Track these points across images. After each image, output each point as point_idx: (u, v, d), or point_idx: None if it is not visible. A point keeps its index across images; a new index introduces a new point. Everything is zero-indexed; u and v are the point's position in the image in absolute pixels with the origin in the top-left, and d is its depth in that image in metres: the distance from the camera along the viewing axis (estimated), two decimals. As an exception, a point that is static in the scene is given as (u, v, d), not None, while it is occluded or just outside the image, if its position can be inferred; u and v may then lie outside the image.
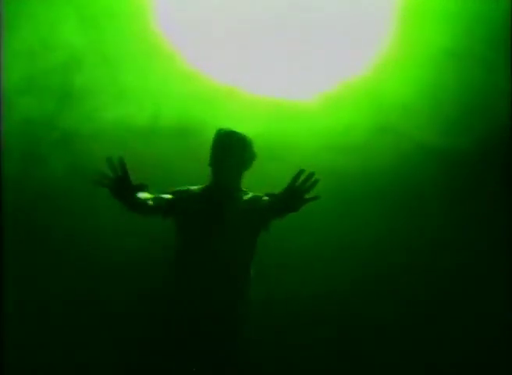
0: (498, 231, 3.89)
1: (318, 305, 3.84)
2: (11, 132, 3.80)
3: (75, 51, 3.84)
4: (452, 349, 3.87)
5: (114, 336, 3.77)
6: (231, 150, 2.93)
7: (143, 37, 3.85)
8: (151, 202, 2.78)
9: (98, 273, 3.78)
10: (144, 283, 3.72)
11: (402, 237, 3.88)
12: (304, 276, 3.85)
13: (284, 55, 3.88)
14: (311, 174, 2.52)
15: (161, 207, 2.85)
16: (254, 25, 3.86)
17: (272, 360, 3.74)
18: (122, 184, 2.57)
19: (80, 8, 3.84)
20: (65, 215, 3.81)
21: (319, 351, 3.85)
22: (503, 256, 3.88)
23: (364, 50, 3.90)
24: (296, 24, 3.87)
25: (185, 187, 2.99)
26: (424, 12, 3.91)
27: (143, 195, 2.74)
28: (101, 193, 2.68)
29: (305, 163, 3.81)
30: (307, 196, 2.54)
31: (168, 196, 2.92)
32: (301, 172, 2.51)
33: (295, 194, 2.53)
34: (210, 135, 3.01)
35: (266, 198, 2.86)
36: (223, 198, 2.92)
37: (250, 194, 2.98)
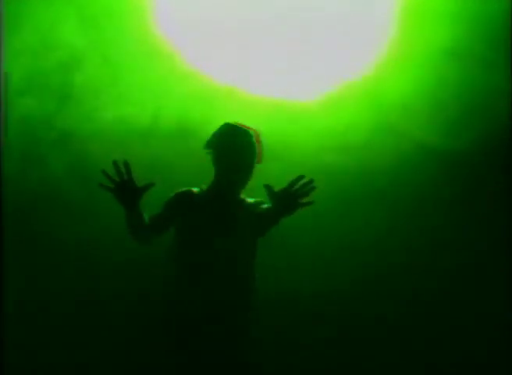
0: (498, 231, 3.89)
1: (318, 304, 3.84)
2: (11, 132, 3.80)
3: (75, 51, 3.84)
4: (452, 349, 3.87)
5: (114, 336, 3.77)
6: (247, 152, 2.91)
7: (143, 37, 3.84)
8: (158, 225, 2.82)
9: (98, 272, 3.78)
10: (144, 283, 3.72)
11: (402, 237, 3.88)
12: (304, 276, 3.85)
13: (284, 55, 3.88)
14: (310, 180, 2.53)
15: (166, 226, 2.86)
16: (254, 25, 3.86)
17: (272, 360, 3.74)
18: (126, 187, 2.59)
19: (80, 9, 3.84)
20: (65, 215, 3.81)
21: (319, 351, 3.85)
22: (503, 256, 3.88)
23: (364, 50, 3.90)
24: (296, 24, 3.87)
25: (187, 189, 2.95)
26: (424, 12, 3.91)
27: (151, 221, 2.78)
28: (101, 193, 2.68)
29: (305, 163, 3.86)
30: (302, 201, 2.54)
31: (168, 211, 2.88)
32: (301, 177, 2.53)
33: (291, 197, 2.53)
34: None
35: (265, 205, 2.88)
36: (230, 201, 2.91)
37: (251, 198, 2.98)
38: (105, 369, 3.74)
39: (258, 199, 2.97)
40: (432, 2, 3.91)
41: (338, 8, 3.87)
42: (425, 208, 3.92)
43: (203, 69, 3.87)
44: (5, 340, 3.67)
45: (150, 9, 3.86)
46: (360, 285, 3.87)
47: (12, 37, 3.80)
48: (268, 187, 2.62)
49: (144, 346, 3.71)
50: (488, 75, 3.89)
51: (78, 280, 3.78)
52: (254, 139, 2.93)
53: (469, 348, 3.84)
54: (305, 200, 2.56)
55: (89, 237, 3.71)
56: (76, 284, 3.77)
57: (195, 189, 2.95)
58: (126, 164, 2.61)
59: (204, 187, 2.97)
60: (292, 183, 2.54)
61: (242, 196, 2.97)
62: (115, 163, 2.59)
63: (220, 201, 2.90)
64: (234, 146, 2.88)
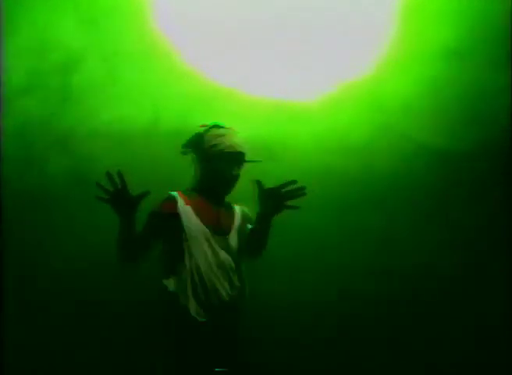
0: (499, 231, 3.89)
1: (318, 305, 3.84)
2: (10, 132, 3.80)
3: (74, 52, 3.83)
4: (452, 349, 3.87)
5: (114, 336, 3.77)
6: (240, 167, 2.87)
7: (142, 38, 3.84)
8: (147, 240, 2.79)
9: (98, 273, 3.78)
10: (144, 284, 3.72)
11: (402, 238, 3.88)
12: (304, 277, 3.85)
13: (284, 55, 3.87)
14: (302, 187, 2.54)
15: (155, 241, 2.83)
16: (254, 25, 3.85)
17: (272, 360, 3.74)
18: (121, 197, 2.60)
19: (79, 9, 3.84)
20: (65, 215, 3.80)
21: (319, 352, 3.86)
22: (503, 256, 3.88)
23: (364, 50, 3.90)
24: (296, 24, 3.87)
25: (168, 198, 2.84)
26: (424, 12, 3.91)
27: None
28: (101, 193, 2.68)
29: (305, 164, 3.86)
30: (288, 203, 2.57)
31: (152, 227, 2.81)
32: (293, 181, 2.54)
33: (279, 197, 2.57)
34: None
35: (249, 226, 2.89)
36: (216, 205, 2.89)
37: (239, 207, 2.97)
38: (105, 369, 3.74)
39: (245, 209, 2.97)
40: (433, 2, 3.91)
41: (338, 8, 3.87)
42: (426, 209, 3.92)
43: (203, 69, 3.87)
44: (5, 340, 3.68)
45: (149, 10, 3.86)
46: (361, 285, 3.87)
47: (12, 38, 3.80)
48: (258, 183, 2.63)
49: (144, 346, 3.71)
50: (490, 75, 3.88)
51: (78, 281, 3.77)
52: (246, 150, 2.89)
53: (469, 348, 3.85)
54: (292, 204, 2.57)
55: (89, 237, 3.71)
56: (76, 285, 3.77)
57: (175, 194, 2.86)
58: (120, 174, 2.62)
59: (191, 194, 2.90)
60: (283, 185, 2.56)
61: (231, 203, 2.96)
62: (108, 174, 2.60)
63: (208, 206, 2.86)
64: (227, 160, 2.82)
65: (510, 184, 3.87)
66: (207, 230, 2.80)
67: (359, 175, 3.88)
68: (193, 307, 2.75)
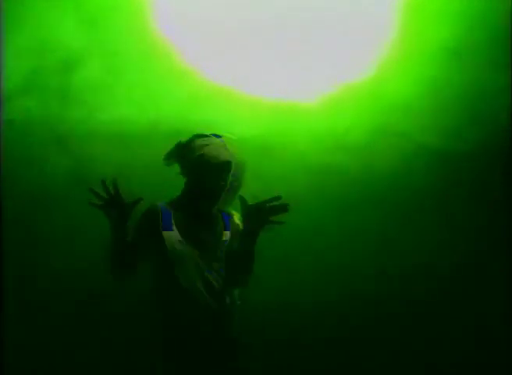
0: (499, 231, 3.89)
1: (318, 306, 3.84)
2: (9, 132, 3.80)
3: (74, 52, 3.83)
4: (452, 349, 3.87)
5: (114, 336, 3.77)
6: (226, 177, 2.77)
7: (142, 38, 3.84)
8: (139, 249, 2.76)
9: (98, 273, 3.78)
10: (144, 284, 3.72)
11: (402, 238, 3.88)
12: (303, 277, 3.85)
13: (284, 55, 3.88)
14: (285, 204, 2.53)
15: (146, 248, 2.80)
16: (254, 25, 3.86)
17: (272, 360, 3.75)
18: (114, 203, 2.61)
19: (79, 9, 3.84)
20: (65, 215, 3.80)
21: (319, 352, 3.86)
22: (503, 256, 3.88)
23: (365, 50, 3.90)
24: (296, 24, 3.87)
25: (152, 207, 2.80)
26: (425, 12, 3.91)
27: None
28: (94, 198, 2.69)
29: (305, 164, 3.87)
30: (272, 219, 2.55)
31: (141, 235, 2.78)
32: (277, 198, 2.53)
33: (262, 212, 2.55)
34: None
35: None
36: (205, 214, 2.83)
37: (229, 216, 2.90)
38: (105, 369, 3.74)
39: (237, 214, 2.91)
40: (433, 2, 3.91)
41: (338, 8, 3.87)
42: (426, 209, 3.92)
43: (203, 69, 3.87)
44: (5, 340, 3.68)
45: (149, 10, 3.86)
46: (360, 285, 3.87)
47: (12, 37, 3.80)
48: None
49: (144, 346, 3.71)
50: (490, 75, 3.89)
51: (78, 281, 3.77)
52: (227, 146, 2.83)
53: (469, 348, 3.85)
54: (276, 219, 2.55)
55: (89, 237, 3.71)
56: (76, 284, 3.77)
57: (161, 203, 2.83)
58: (114, 181, 2.62)
59: (176, 205, 2.84)
60: (267, 201, 2.55)
61: (220, 214, 2.88)
62: (102, 182, 2.60)
63: (195, 215, 2.81)
64: (212, 170, 2.75)
65: (510, 184, 3.87)
66: (190, 248, 2.78)
67: (359, 175, 3.88)
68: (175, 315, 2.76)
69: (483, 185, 3.90)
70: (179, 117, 3.80)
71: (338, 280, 3.86)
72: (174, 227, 2.78)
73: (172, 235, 2.77)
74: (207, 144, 2.80)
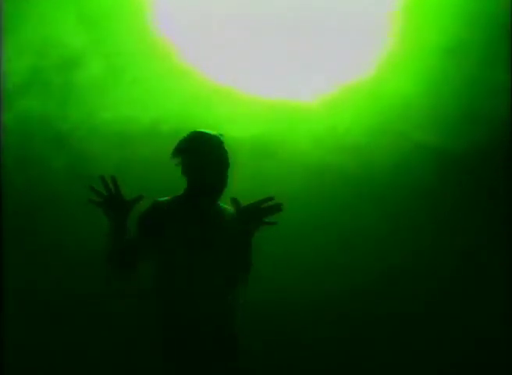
0: (498, 231, 3.89)
1: (317, 305, 3.84)
2: (10, 131, 3.80)
3: (75, 51, 3.85)
4: (452, 349, 3.87)
5: (114, 336, 3.77)
6: (219, 153, 2.77)
7: (143, 37, 3.85)
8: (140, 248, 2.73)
9: (98, 272, 3.78)
10: (144, 284, 3.72)
11: (402, 238, 3.89)
12: (304, 277, 3.85)
13: (284, 55, 3.88)
14: (278, 204, 2.53)
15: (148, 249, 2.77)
16: (254, 25, 3.86)
17: (272, 360, 3.74)
18: (114, 201, 2.59)
19: (80, 9, 3.84)
20: (65, 214, 3.81)
21: (319, 351, 3.86)
22: (503, 256, 3.88)
23: (365, 50, 3.91)
24: (297, 24, 3.88)
25: (156, 202, 2.76)
26: (424, 12, 3.91)
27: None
28: (93, 196, 2.68)
29: (305, 163, 3.87)
30: (266, 220, 2.54)
31: (142, 233, 2.73)
32: (270, 198, 2.53)
33: (255, 213, 2.54)
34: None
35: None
36: (206, 210, 2.80)
37: (229, 208, 2.90)
38: (105, 369, 3.74)
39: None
40: (433, 2, 3.92)
41: (338, 8, 3.87)
42: (425, 209, 3.92)
43: (203, 69, 3.88)
44: (5, 340, 3.68)
45: (150, 9, 3.87)
46: (360, 285, 3.87)
47: (13, 37, 3.81)
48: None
49: (144, 346, 3.71)
50: (489, 74, 3.89)
51: (78, 281, 3.78)
52: (223, 144, 2.79)
53: (469, 348, 3.85)
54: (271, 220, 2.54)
55: (89, 237, 3.70)
56: (75, 284, 3.77)
57: (164, 199, 2.79)
58: (114, 178, 2.60)
59: (177, 198, 2.81)
60: (261, 201, 2.54)
61: (221, 204, 2.87)
62: (102, 178, 2.58)
63: (196, 211, 2.78)
64: (206, 147, 2.75)
65: (509, 183, 3.87)
66: (191, 243, 2.77)
67: (358, 174, 3.89)
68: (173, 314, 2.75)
69: (482, 184, 3.91)
70: (180, 116, 3.80)
71: (338, 279, 3.86)
72: (178, 224, 2.76)
73: (176, 232, 2.76)
74: (199, 132, 2.79)
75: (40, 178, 3.81)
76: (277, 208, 2.53)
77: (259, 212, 2.55)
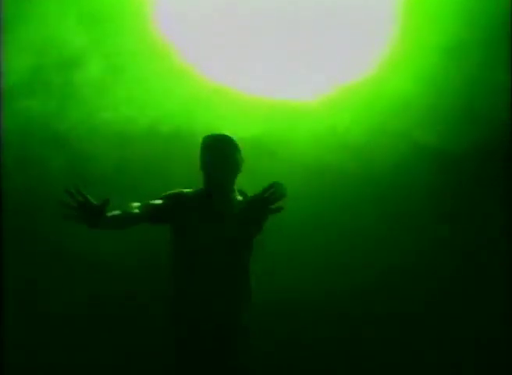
0: (498, 231, 3.89)
1: (317, 305, 3.84)
2: (10, 131, 3.80)
3: (75, 51, 3.84)
4: (452, 349, 3.87)
5: (114, 336, 3.77)
6: (225, 152, 2.91)
7: (143, 37, 3.85)
8: (136, 210, 2.79)
9: (98, 273, 3.78)
10: (144, 285, 3.72)
11: (401, 237, 3.89)
12: (304, 277, 3.85)
13: (284, 55, 3.88)
14: (282, 191, 2.58)
15: (147, 213, 2.82)
16: (254, 25, 3.86)
17: (272, 361, 3.74)
18: (86, 208, 2.59)
19: (80, 8, 3.84)
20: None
21: (319, 351, 3.86)
22: (503, 256, 3.88)
23: (365, 50, 3.90)
24: (296, 24, 3.87)
25: (178, 191, 2.96)
26: (424, 12, 3.91)
27: (128, 207, 2.77)
28: (101, 193, 2.68)
29: (305, 163, 3.87)
30: (271, 207, 2.61)
31: (159, 201, 2.88)
32: (274, 184, 2.57)
33: (261, 202, 2.62)
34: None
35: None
36: (222, 202, 2.93)
37: (242, 197, 3.00)
38: (105, 369, 3.74)
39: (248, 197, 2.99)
40: (433, 2, 3.91)
41: (338, 8, 3.87)
42: (425, 209, 3.92)
43: (203, 69, 3.88)
44: (5, 340, 3.68)
45: (150, 9, 3.87)
46: (360, 285, 3.87)
47: (13, 36, 3.81)
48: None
49: (144, 347, 3.72)
50: (489, 74, 3.89)
51: (78, 281, 3.78)
52: (234, 144, 2.93)
53: (469, 348, 3.85)
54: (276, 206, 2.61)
55: (88, 237, 3.70)
56: (75, 285, 3.77)
57: (186, 190, 2.97)
58: (77, 188, 2.60)
59: (195, 190, 2.97)
60: (264, 191, 2.60)
61: (235, 195, 2.98)
62: (67, 191, 2.59)
63: (209, 201, 2.91)
64: (214, 146, 2.90)
65: (509, 183, 3.87)
66: (208, 235, 2.84)
67: (358, 173, 3.89)
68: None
69: (482, 184, 3.91)
70: (179, 116, 3.81)
71: (338, 279, 3.86)
72: (195, 214, 2.88)
73: (192, 221, 2.87)
74: (215, 133, 2.95)
75: (39, 178, 3.81)
76: (282, 191, 2.58)
77: (266, 201, 2.60)
